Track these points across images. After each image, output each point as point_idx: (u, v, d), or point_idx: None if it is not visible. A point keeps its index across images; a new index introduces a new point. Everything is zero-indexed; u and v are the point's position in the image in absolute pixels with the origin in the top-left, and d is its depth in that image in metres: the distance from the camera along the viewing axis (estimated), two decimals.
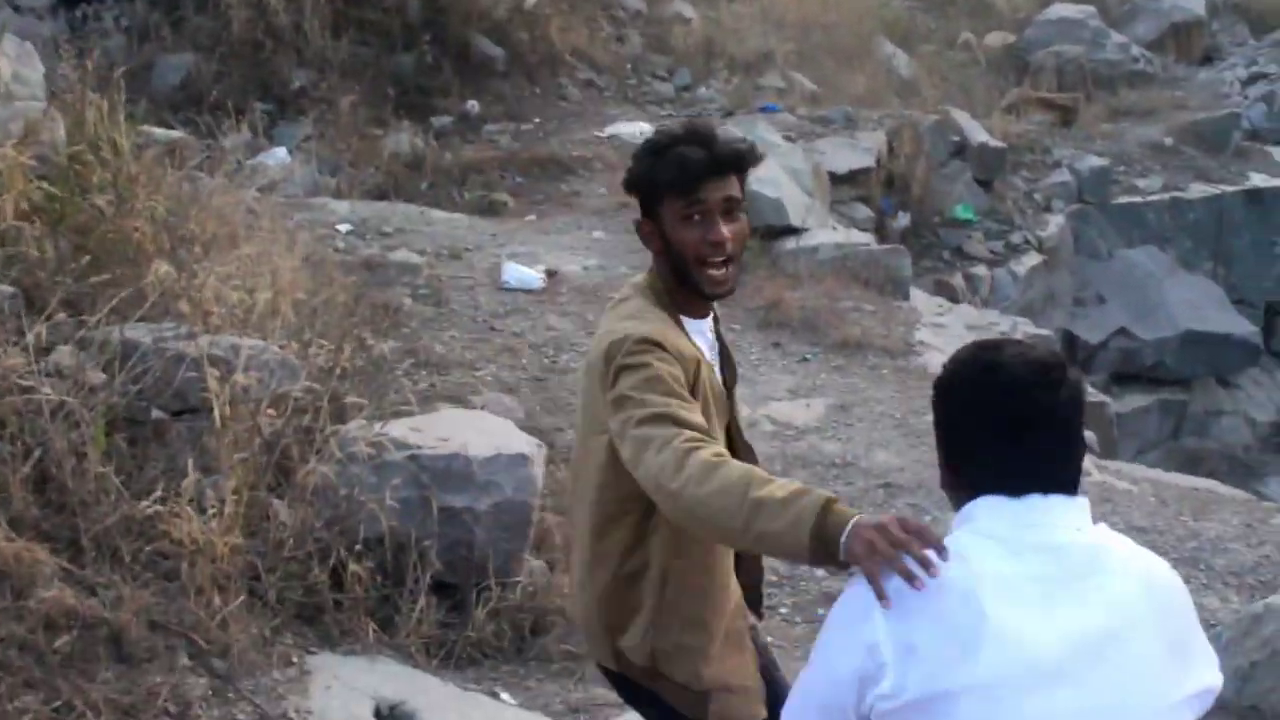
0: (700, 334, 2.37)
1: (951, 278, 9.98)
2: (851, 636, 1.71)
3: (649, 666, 2.31)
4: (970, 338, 8.54)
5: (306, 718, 3.10)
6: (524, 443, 4.24)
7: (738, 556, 2.43)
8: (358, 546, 3.75)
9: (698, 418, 2.11)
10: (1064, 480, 1.75)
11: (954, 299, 9.57)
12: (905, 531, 1.72)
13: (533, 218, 9.26)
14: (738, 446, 2.41)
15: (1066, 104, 12.61)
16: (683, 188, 2.24)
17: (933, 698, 1.64)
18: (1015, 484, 1.74)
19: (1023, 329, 9.45)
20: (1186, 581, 4.74)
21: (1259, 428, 12.23)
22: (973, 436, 1.78)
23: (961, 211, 10.63)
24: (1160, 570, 1.79)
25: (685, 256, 2.25)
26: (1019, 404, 1.73)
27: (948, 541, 1.73)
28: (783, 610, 4.51)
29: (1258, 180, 12.09)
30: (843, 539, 1.77)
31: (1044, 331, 9.80)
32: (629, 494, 2.19)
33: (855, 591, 1.73)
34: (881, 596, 1.68)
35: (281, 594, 3.59)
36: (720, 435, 2.30)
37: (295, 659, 3.41)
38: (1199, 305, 11.61)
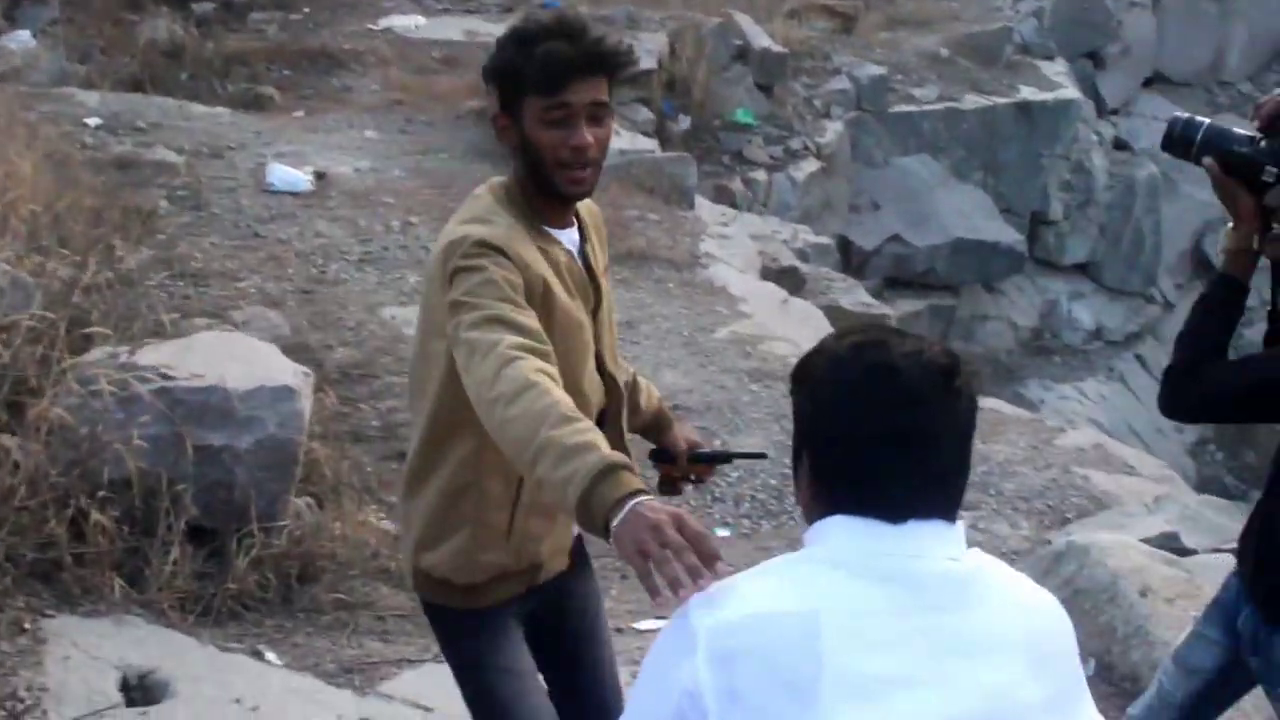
0: (564, 245, 2.19)
1: (731, 182, 10.00)
2: (670, 679, 1.44)
3: (481, 580, 2.20)
4: (755, 248, 8.60)
5: (40, 696, 2.76)
6: (289, 372, 3.92)
7: None
8: (101, 492, 3.40)
9: (532, 322, 1.96)
10: (951, 504, 1.49)
11: (734, 204, 9.61)
12: (681, 535, 1.52)
13: (301, 114, 8.79)
14: (607, 382, 2.25)
15: (847, 11, 12.71)
16: (547, 88, 2.05)
17: None
18: (896, 508, 1.46)
19: (803, 237, 9.59)
20: (976, 509, 4.87)
21: (1020, 332, 12.89)
22: (853, 452, 1.48)
23: (742, 116, 10.62)
24: (1045, 608, 1.53)
25: (543, 159, 2.08)
26: (915, 417, 1.45)
27: (790, 562, 1.48)
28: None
29: (1027, 94, 12.52)
30: (614, 523, 1.59)
31: (823, 239, 9.98)
32: (463, 403, 1.99)
33: (679, 624, 1.45)
34: (654, 594, 1.48)
35: (12, 550, 3.22)
36: (582, 367, 2.16)
37: (28, 625, 3.05)
38: (969, 214, 12.03)
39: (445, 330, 2.02)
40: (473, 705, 2.28)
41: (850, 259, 11.35)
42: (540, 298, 2.07)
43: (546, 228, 2.17)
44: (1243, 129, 2.24)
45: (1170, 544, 4.19)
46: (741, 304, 6.63)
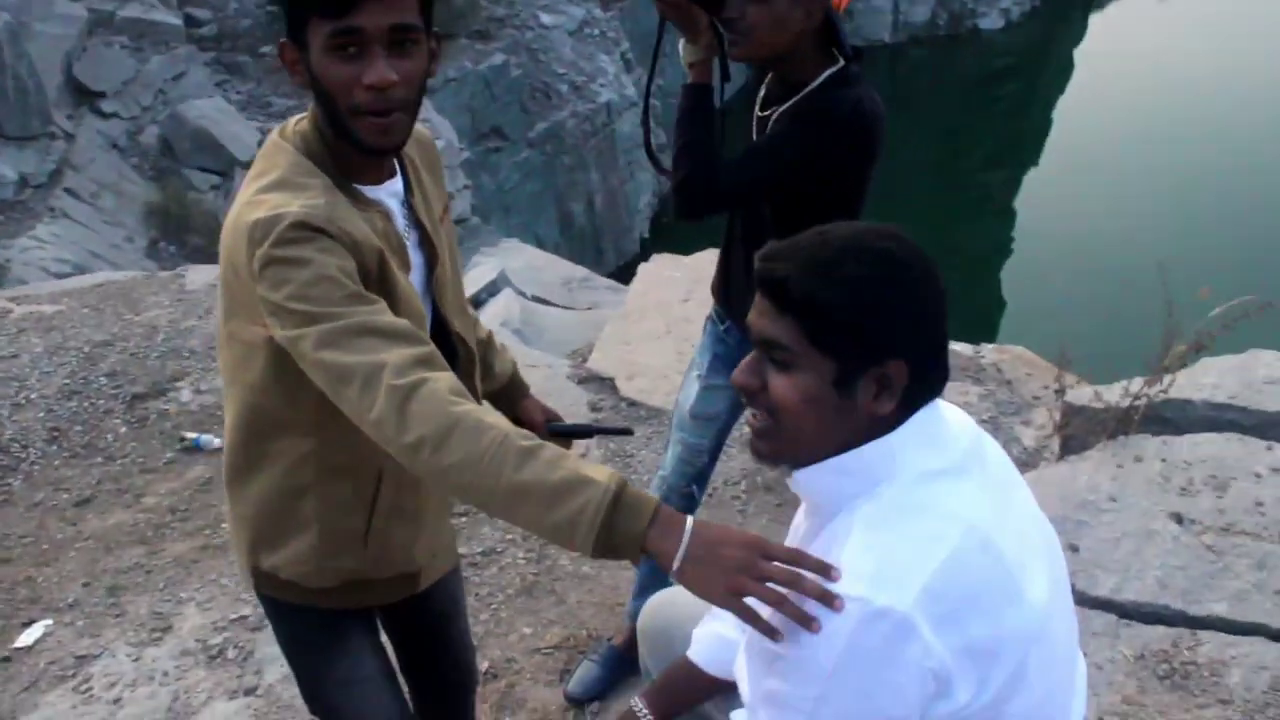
0: (384, 201, 1.79)
1: None
2: (895, 673, 1.41)
3: (332, 585, 1.95)
4: None
5: None
6: None
7: None
8: None
9: (392, 319, 1.60)
10: None
11: None
12: (771, 558, 1.42)
13: None
14: (454, 342, 1.93)
15: None
16: (330, 7, 1.59)
17: (1014, 675, 1.46)
18: (943, 381, 1.56)
19: None
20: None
21: None
22: (937, 342, 1.54)
23: None
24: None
25: (336, 102, 1.64)
26: (941, 296, 1.53)
27: (897, 504, 1.48)
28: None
29: None
30: (676, 563, 1.43)
31: None
32: (299, 401, 1.73)
33: (867, 623, 1.40)
34: (774, 634, 1.42)
35: None
36: (424, 331, 1.82)
37: None
38: None
39: (255, 317, 1.66)
40: (308, 703, 2.12)
41: None
42: (377, 278, 1.69)
43: (358, 186, 1.75)
44: None
45: None
46: None
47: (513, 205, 17.12)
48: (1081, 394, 3.85)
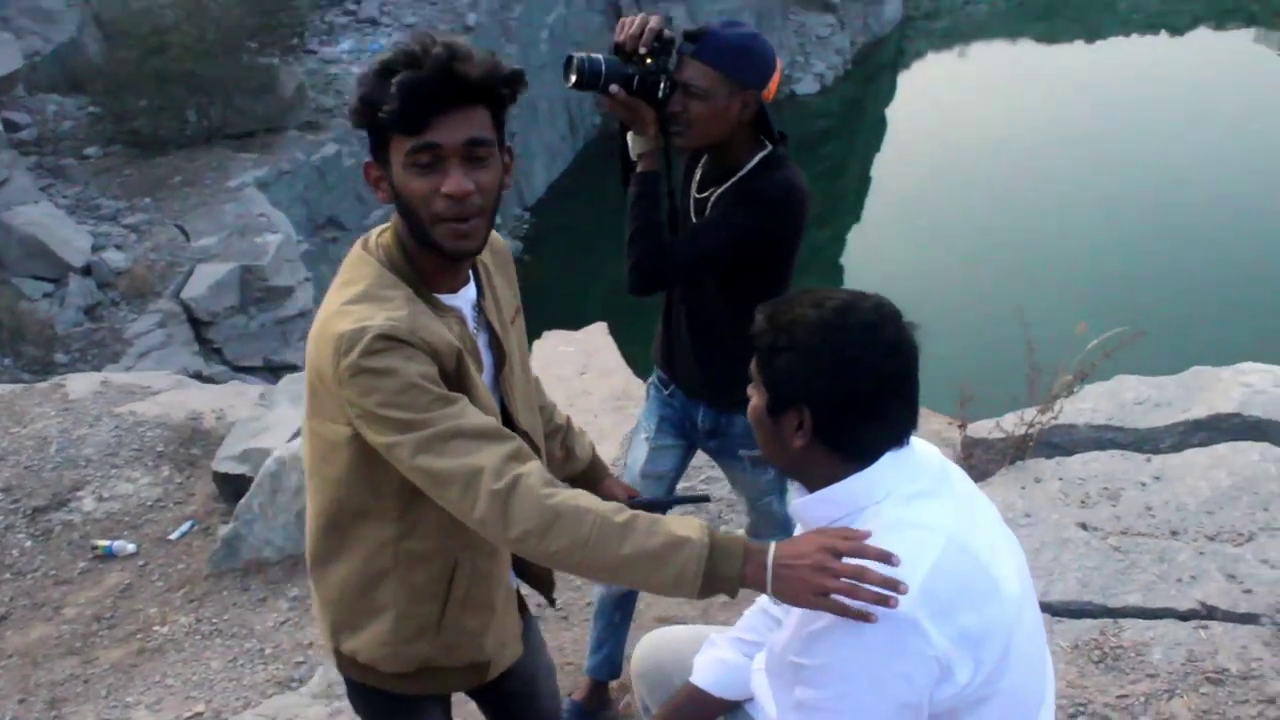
0: (459, 307, 1.92)
1: None
2: (904, 663, 1.65)
3: (406, 670, 2.05)
4: None
5: None
6: None
7: None
8: None
9: (481, 418, 1.75)
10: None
11: None
12: (847, 554, 1.63)
13: None
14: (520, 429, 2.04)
15: None
16: (408, 126, 1.72)
17: (1001, 657, 1.72)
18: (903, 436, 1.80)
19: None
20: None
21: None
22: (858, 403, 1.75)
23: None
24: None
25: (417, 212, 1.77)
26: (904, 362, 1.77)
27: (885, 523, 1.72)
28: None
29: None
30: (770, 588, 1.65)
31: None
32: (382, 492, 1.87)
33: (885, 624, 1.63)
34: (867, 617, 1.61)
35: None
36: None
37: None
38: None
39: (337, 418, 1.79)
40: None
41: None
42: (455, 378, 1.81)
43: (437, 295, 1.88)
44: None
45: None
46: None
47: None
48: (980, 427, 4.25)
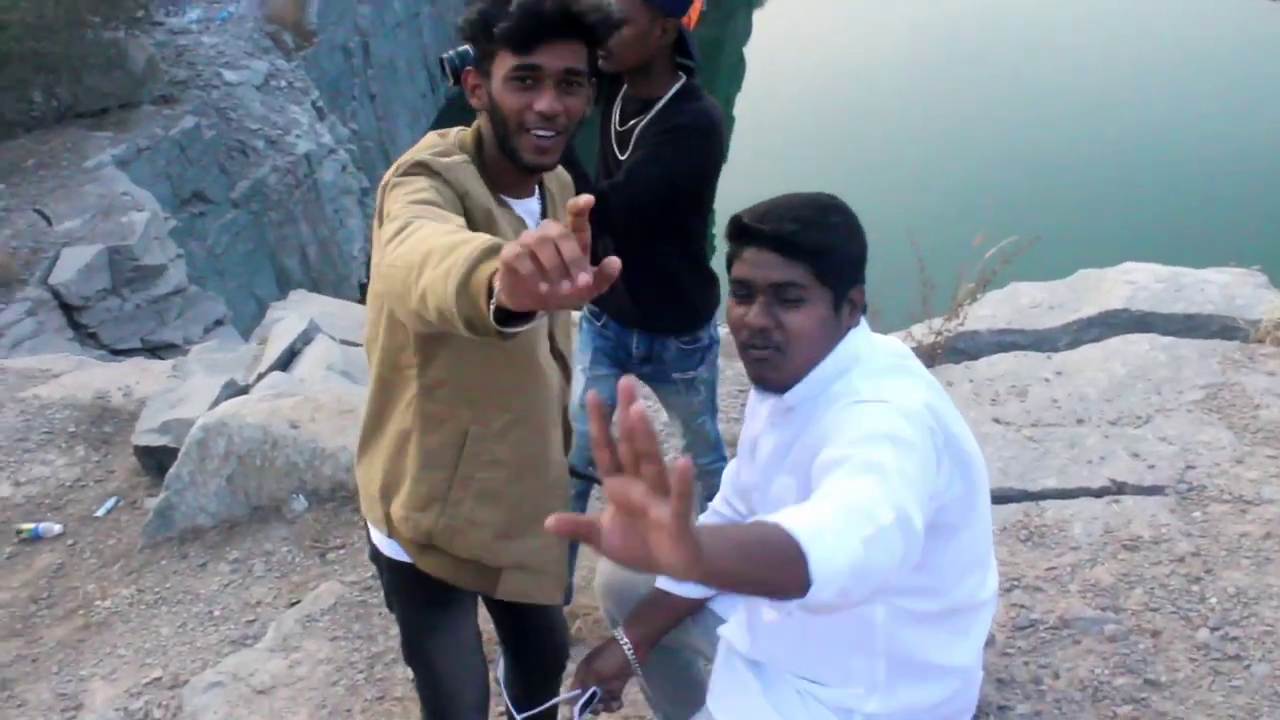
0: (514, 213, 2.06)
1: None
2: (925, 433, 1.81)
3: (419, 540, 2.13)
4: None
5: None
6: None
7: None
8: None
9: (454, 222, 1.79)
10: None
11: None
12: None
13: None
14: (559, 362, 2.20)
15: None
16: (519, 46, 1.90)
17: (973, 490, 1.95)
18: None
19: None
20: None
21: None
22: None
23: None
24: None
25: (508, 121, 1.95)
26: None
27: (887, 365, 1.96)
28: None
29: None
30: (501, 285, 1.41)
31: None
32: (402, 346, 2.00)
33: (896, 408, 1.81)
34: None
35: None
36: (535, 346, 2.08)
37: None
38: None
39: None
40: (406, 653, 2.35)
41: None
42: (481, 222, 1.94)
43: (501, 194, 2.03)
44: None
45: None
46: None
47: (227, 269, 16.68)
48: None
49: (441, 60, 2.05)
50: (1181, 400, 3.89)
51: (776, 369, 1.96)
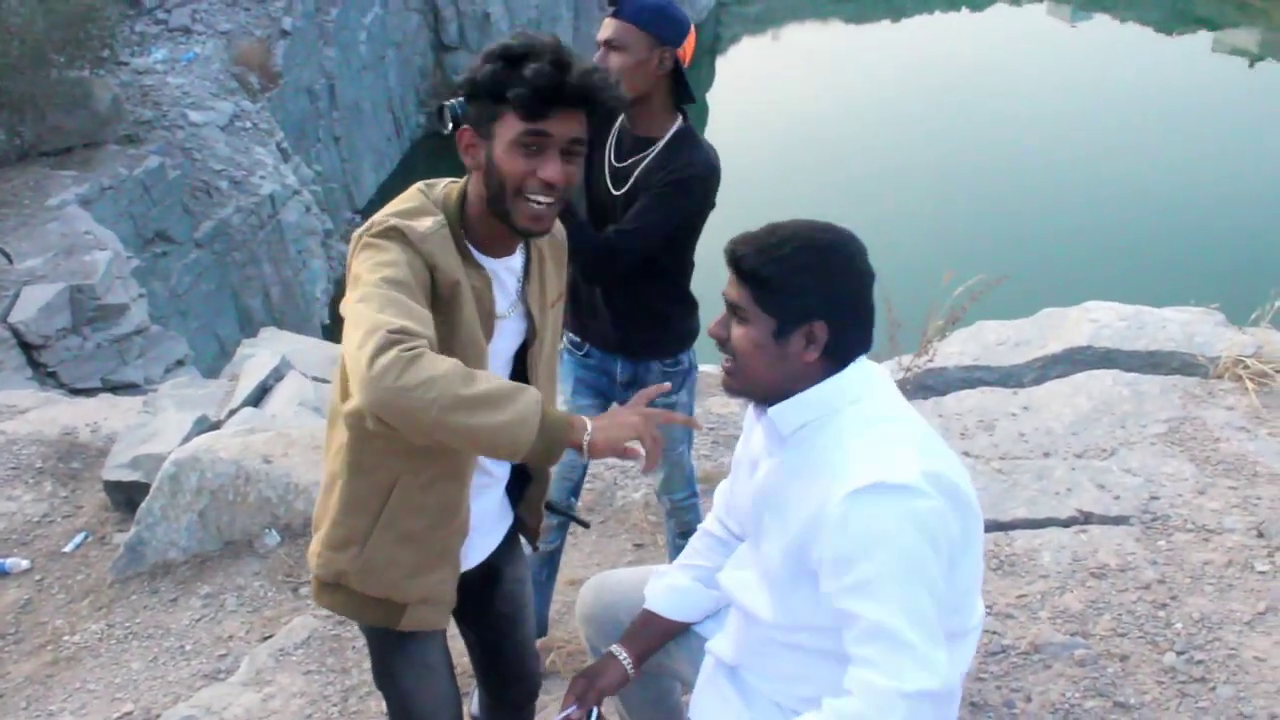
0: (497, 273, 2.09)
1: None
2: (923, 533, 1.84)
3: (327, 579, 2.18)
4: None
5: None
6: None
7: (519, 481, 2.36)
8: None
9: (414, 323, 1.79)
10: None
11: None
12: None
13: None
14: None
15: None
16: (530, 112, 1.90)
17: (970, 531, 1.98)
18: (871, 337, 2.03)
19: None
20: None
21: None
22: (865, 311, 2.01)
23: None
24: None
25: (506, 185, 1.96)
26: (862, 275, 2.00)
27: (865, 417, 1.95)
28: None
29: None
30: (584, 445, 1.83)
31: None
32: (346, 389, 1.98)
33: (893, 501, 1.83)
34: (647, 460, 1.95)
35: None
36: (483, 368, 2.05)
37: None
38: None
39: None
40: (377, 679, 2.37)
41: None
42: (445, 302, 1.94)
43: (476, 252, 2.04)
44: None
45: None
46: None
47: (189, 309, 16.60)
48: None
49: (442, 106, 2.03)
50: (1145, 434, 3.99)
51: (733, 376, 2.06)
